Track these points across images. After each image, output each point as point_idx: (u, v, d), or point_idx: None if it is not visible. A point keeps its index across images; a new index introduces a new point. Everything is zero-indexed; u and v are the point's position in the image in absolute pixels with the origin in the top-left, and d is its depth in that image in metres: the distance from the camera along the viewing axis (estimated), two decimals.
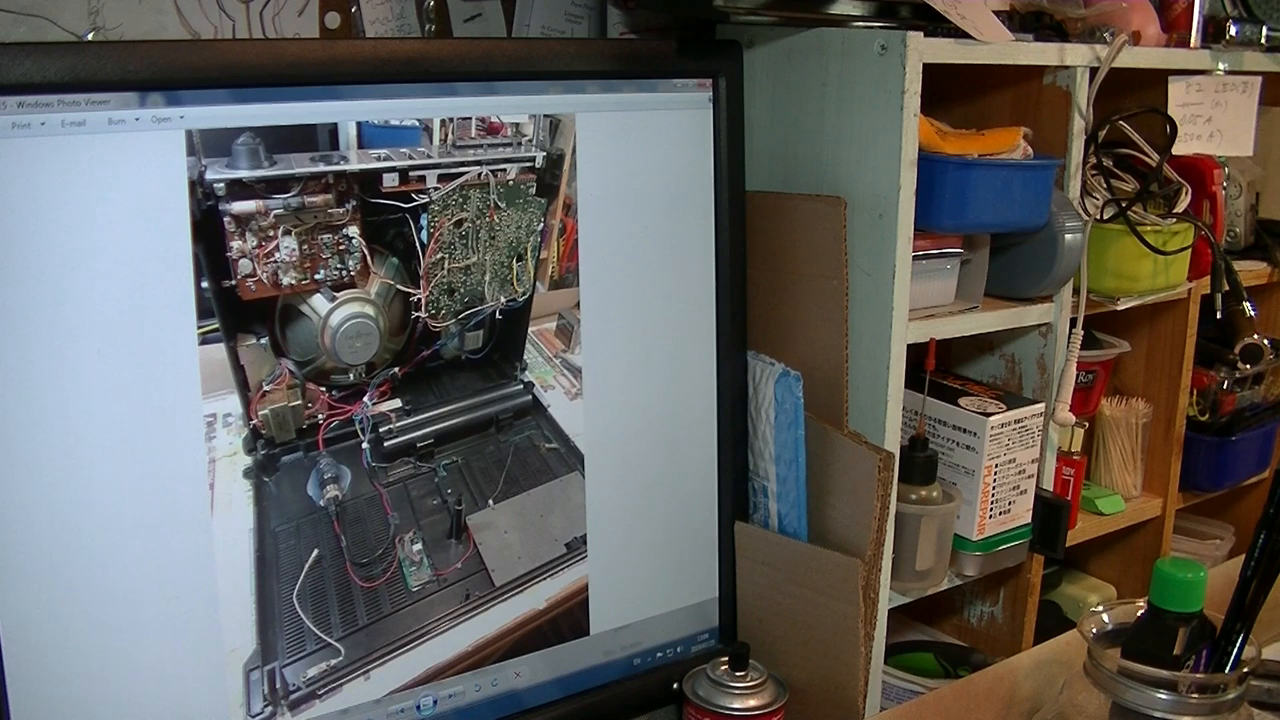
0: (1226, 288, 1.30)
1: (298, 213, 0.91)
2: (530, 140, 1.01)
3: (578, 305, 1.06)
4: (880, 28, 1.07)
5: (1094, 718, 0.86)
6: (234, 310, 0.90)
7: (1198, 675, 0.84)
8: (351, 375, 0.96)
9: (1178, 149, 1.25)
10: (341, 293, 0.94)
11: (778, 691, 1.07)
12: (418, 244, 0.97)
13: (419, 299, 0.98)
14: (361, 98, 0.93)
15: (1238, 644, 0.83)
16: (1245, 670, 0.83)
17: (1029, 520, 1.23)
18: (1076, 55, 1.16)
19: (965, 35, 1.06)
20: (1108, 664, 0.84)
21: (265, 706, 0.94)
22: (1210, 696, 0.82)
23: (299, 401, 0.94)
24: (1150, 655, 0.84)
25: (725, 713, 1.04)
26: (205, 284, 0.88)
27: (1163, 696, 0.82)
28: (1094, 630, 0.89)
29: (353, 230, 0.94)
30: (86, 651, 0.87)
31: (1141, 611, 0.87)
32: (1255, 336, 1.47)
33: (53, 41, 0.99)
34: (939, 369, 1.23)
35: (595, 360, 1.07)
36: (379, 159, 0.94)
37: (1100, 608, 0.91)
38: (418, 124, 0.96)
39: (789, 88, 1.11)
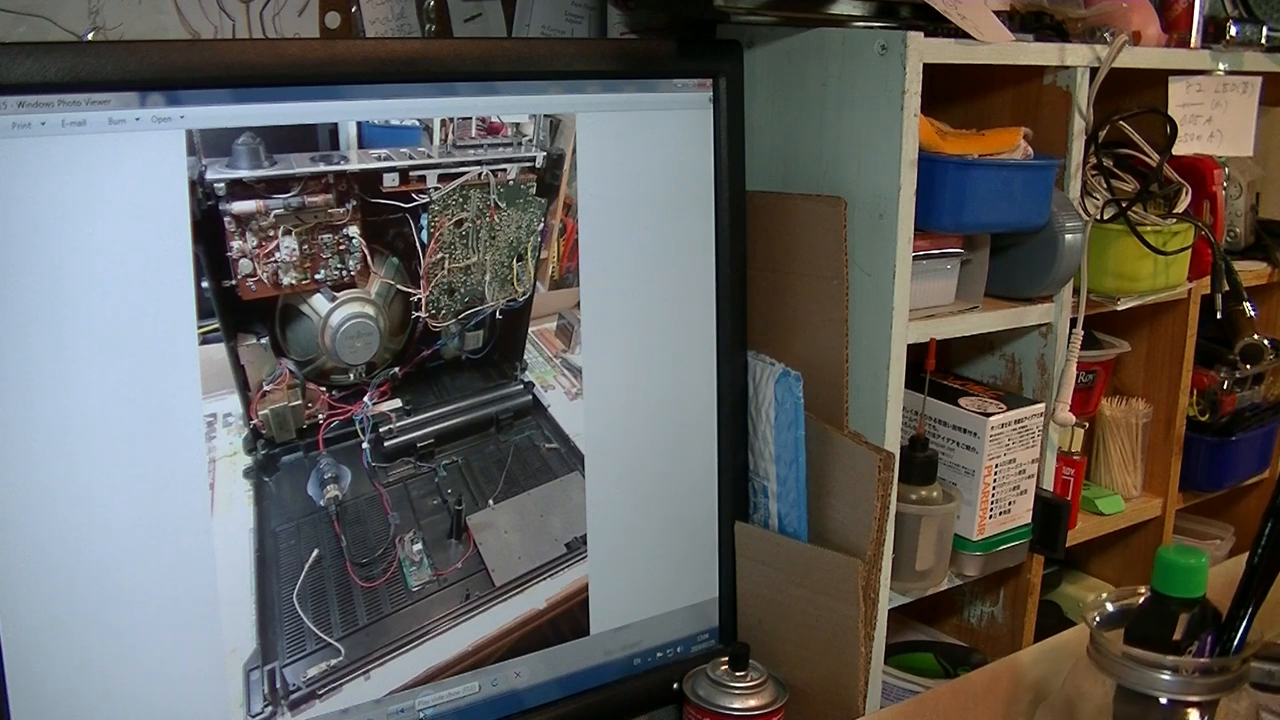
0: (1226, 288, 1.30)
1: (298, 212, 0.91)
2: (530, 140, 1.01)
3: (578, 305, 1.06)
4: (880, 28, 1.07)
5: (1099, 704, 0.86)
6: (234, 310, 0.90)
7: (1200, 660, 0.84)
8: (351, 375, 0.96)
9: (1178, 149, 1.25)
10: (342, 293, 0.94)
11: (778, 691, 1.07)
12: (418, 244, 0.97)
13: (419, 299, 0.98)
14: (361, 98, 0.93)
15: (1242, 626, 0.84)
16: (1246, 655, 0.84)
17: (1029, 520, 1.23)
18: (1077, 55, 1.16)
19: (965, 35, 1.06)
20: (1111, 648, 0.84)
21: (265, 706, 0.94)
22: (1212, 677, 0.82)
23: (299, 401, 0.94)
24: (1152, 641, 0.84)
25: (725, 713, 1.04)
26: (205, 284, 0.88)
27: (1166, 677, 0.82)
28: (1097, 617, 0.89)
29: (353, 230, 0.94)
30: (86, 651, 0.87)
31: (1144, 598, 0.87)
32: (1255, 336, 1.46)
33: (53, 41, 0.99)
34: (939, 369, 1.23)
35: (595, 360, 1.07)
36: (379, 159, 0.94)
37: (1103, 596, 0.91)
38: (418, 124, 0.96)
39: (789, 88, 1.11)
